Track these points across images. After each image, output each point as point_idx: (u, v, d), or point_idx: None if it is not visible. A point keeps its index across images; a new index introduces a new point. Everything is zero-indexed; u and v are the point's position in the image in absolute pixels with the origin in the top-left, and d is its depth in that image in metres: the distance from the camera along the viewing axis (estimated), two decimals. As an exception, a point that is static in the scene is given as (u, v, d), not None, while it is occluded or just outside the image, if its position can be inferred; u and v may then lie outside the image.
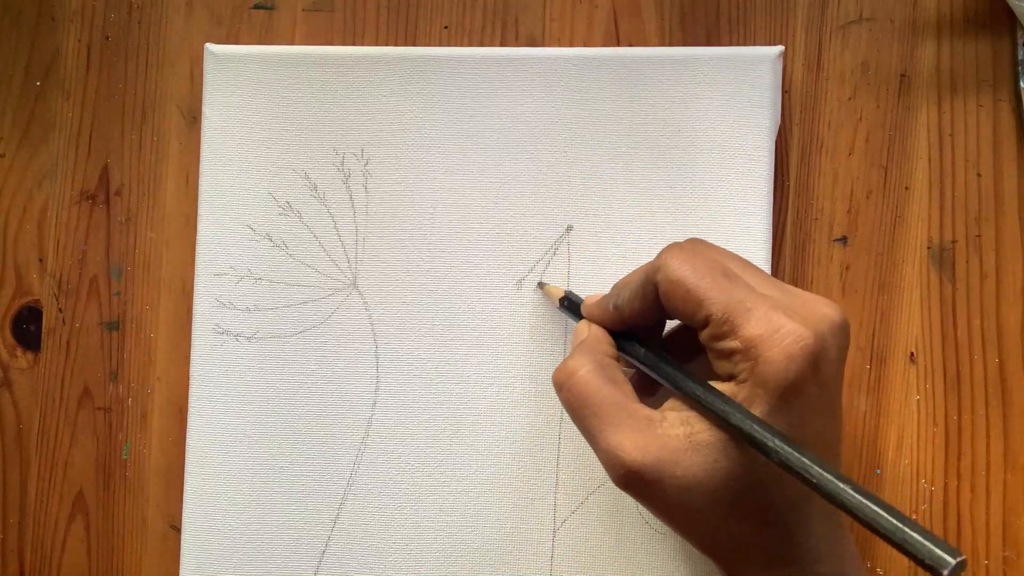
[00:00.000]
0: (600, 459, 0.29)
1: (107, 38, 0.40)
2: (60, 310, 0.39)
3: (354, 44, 0.39)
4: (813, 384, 0.27)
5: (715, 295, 0.28)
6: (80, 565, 0.39)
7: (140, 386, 0.39)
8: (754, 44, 0.38)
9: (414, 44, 0.39)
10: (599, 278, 0.37)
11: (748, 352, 0.27)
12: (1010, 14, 0.38)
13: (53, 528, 0.39)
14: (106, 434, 0.39)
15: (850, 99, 0.38)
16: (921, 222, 0.38)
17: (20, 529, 0.39)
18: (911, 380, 0.38)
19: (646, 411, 0.29)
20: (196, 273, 0.37)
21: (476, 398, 0.37)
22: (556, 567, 0.36)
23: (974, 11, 0.38)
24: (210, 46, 0.38)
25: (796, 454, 0.26)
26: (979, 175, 0.38)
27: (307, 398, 0.37)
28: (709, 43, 0.39)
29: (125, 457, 0.39)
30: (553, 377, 0.31)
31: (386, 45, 0.39)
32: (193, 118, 0.39)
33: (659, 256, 0.30)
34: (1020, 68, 0.38)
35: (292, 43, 0.39)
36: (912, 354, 0.38)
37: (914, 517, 0.37)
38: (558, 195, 0.37)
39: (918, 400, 0.38)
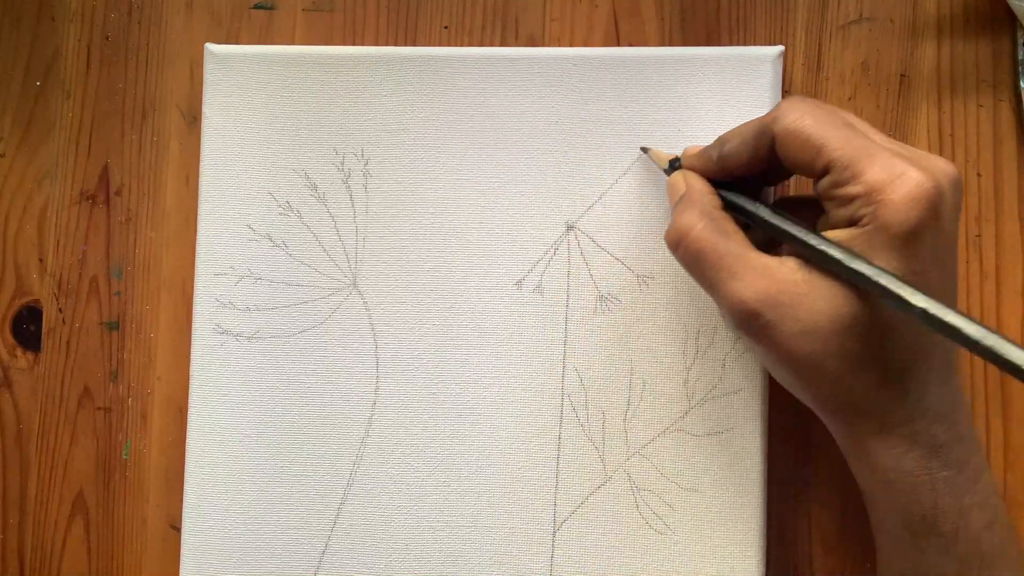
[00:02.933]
0: (722, 310, 0.30)
1: (107, 38, 0.40)
2: (60, 310, 0.39)
3: (354, 44, 0.39)
4: (932, 232, 0.27)
5: (837, 142, 0.28)
6: (80, 565, 0.39)
7: (140, 386, 0.39)
8: (754, 44, 0.38)
9: (414, 44, 0.39)
10: (599, 278, 0.37)
11: (871, 196, 0.27)
12: (1010, 14, 0.38)
13: (53, 528, 0.39)
14: (106, 434, 0.39)
15: (850, 99, 0.38)
16: (921, 222, 0.38)
17: (20, 529, 0.39)
18: (911, 380, 0.38)
19: (765, 258, 0.29)
20: (196, 273, 0.37)
21: (476, 398, 0.37)
22: (556, 567, 0.36)
23: (974, 11, 0.38)
24: (210, 46, 0.38)
25: (913, 295, 0.26)
26: (979, 175, 0.38)
27: (307, 398, 0.37)
28: (709, 43, 0.39)
29: (125, 457, 0.39)
30: (666, 237, 0.31)
31: (386, 45, 0.39)
32: (193, 118, 0.39)
33: (776, 108, 0.30)
34: (1020, 68, 0.38)
35: (292, 43, 0.39)
36: (912, 354, 0.38)
37: (914, 517, 0.37)
38: (558, 195, 0.37)
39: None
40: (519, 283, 0.37)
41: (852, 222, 0.28)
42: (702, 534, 0.36)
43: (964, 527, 0.29)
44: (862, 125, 0.30)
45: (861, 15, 0.39)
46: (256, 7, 0.39)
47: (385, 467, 0.37)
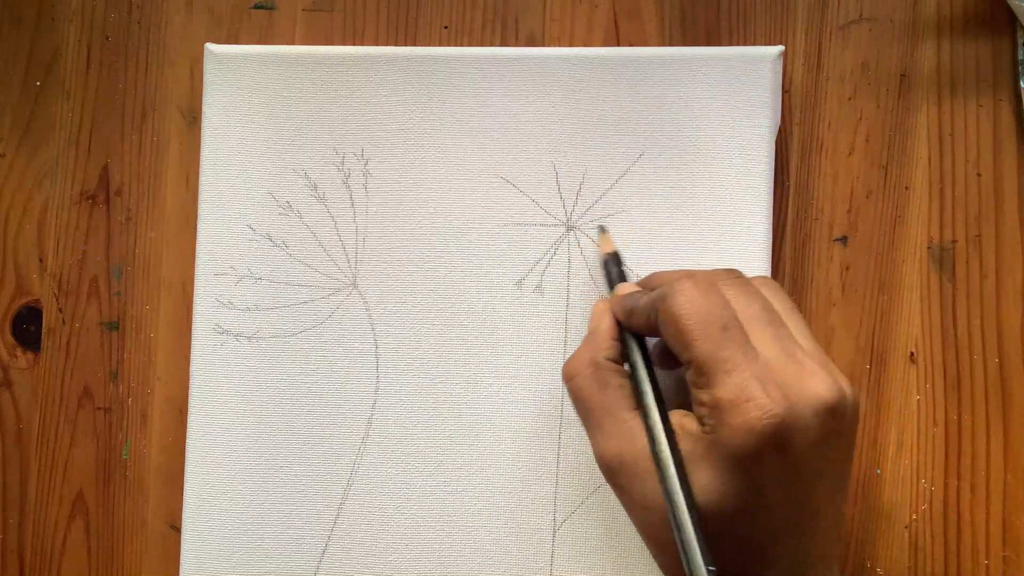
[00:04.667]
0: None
1: (107, 38, 0.40)
2: (60, 310, 0.39)
3: (354, 44, 0.39)
4: (776, 459, 0.27)
5: (704, 345, 0.28)
6: (80, 565, 0.39)
7: (140, 386, 0.39)
8: (754, 44, 0.38)
9: (414, 44, 0.39)
10: (599, 278, 0.37)
11: (714, 411, 0.27)
12: (1010, 14, 0.38)
13: (53, 528, 0.39)
14: (106, 434, 0.39)
15: (850, 99, 0.38)
16: (921, 222, 0.38)
17: (20, 529, 0.39)
18: (911, 380, 0.38)
19: (633, 423, 0.30)
20: (196, 273, 0.37)
21: (476, 398, 0.37)
22: (556, 567, 0.36)
23: (974, 11, 0.38)
24: (210, 46, 0.38)
25: (688, 529, 0.27)
26: (979, 175, 0.38)
27: (307, 398, 0.37)
28: (709, 43, 0.39)
29: (125, 457, 0.39)
30: (562, 371, 0.33)
31: (386, 45, 0.39)
32: (193, 118, 0.39)
33: (671, 283, 0.29)
34: (1020, 68, 0.38)
35: (292, 43, 0.39)
36: (912, 354, 0.38)
37: (914, 517, 0.37)
38: (558, 195, 0.37)
39: (918, 400, 0.38)
40: (519, 283, 0.37)
41: (701, 423, 0.28)
42: (702, 534, 0.36)
43: None
44: (761, 319, 0.29)
45: (861, 15, 0.39)
46: (256, 7, 0.39)
47: (385, 467, 0.37)
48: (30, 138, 0.40)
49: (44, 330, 0.39)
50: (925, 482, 0.37)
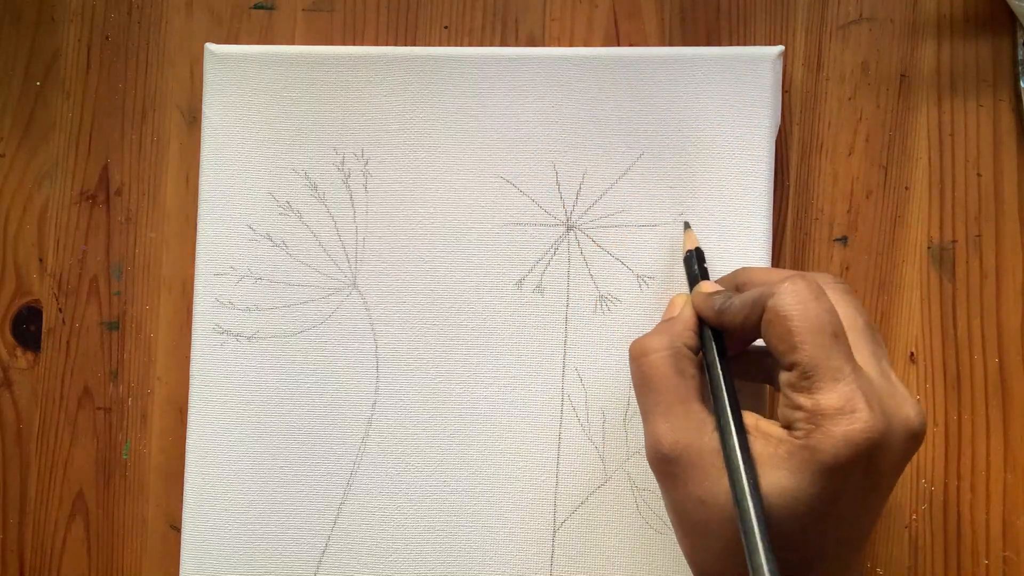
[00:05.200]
0: (644, 436, 0.30)
1: (107, 38, 0.40)
2: (60, 310, 0.39)
3: (354, 44, 0.39)
4: (861, 475, 0.27)
5: (812, 349, 0.27)
6: (80, 565, 0.39)
7: (140, 386, 0.39)
8: (754, 44, 0.38)
9: (414, 44, 0.39)
10: (599, 278, 0.37)
11: (814, 416, 0.27)
12: (1010, 14, 0.38)
13: (53, 528, 0.39)
14: (106, 434, 0.39)
15: (850, 99, 0.38)
16: (921, 222, 0.38)
17: (20, 529, 0.39)
18: (911, 380, 0.38)
19: (703, 413, 0.29)
20: (196, 273, 0.37)
21: (476, 398, 0.37)
22: (556, 567, 0.36)
23: (974, 11, 0.38)
24: (210, 46, 0.38)
25: (756, 530, 0.26)
26: (979, 175, 0.38)
27: (307, 398, 0.37)
28: (709, 43, 0.39)
29: (125, 457, 0.39)
30: (630, 347, 0.31)
31: (386, 45, 0.39)
32: (193, 118, 0.39)
33: (781, 283, 0.29)
34: (1020, 68, 0.38)
35: (292, 43, 0.39)
36: (912, 354, 0.38)
37: (914, 517, 0.37)
38: (558, 195, 0.37)
39: (918, 400, 0.38)
40: (519, 283, 0.37)
41: (788, 426, 0.28)
42: (702, 534, 0.36)
43: None
44: (859, 336, 0.29)
45: (861, 15, 0.39)
46: (256, 7, 0.39)
47: (385, 467, 0.37)
48: (30, 138, 0.40)
49: (44, 330, 0.39)
50: (925, 482, 0.37)
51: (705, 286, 0.33)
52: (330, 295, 0.37)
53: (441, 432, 0.37)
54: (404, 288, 0.37)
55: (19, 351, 0.39)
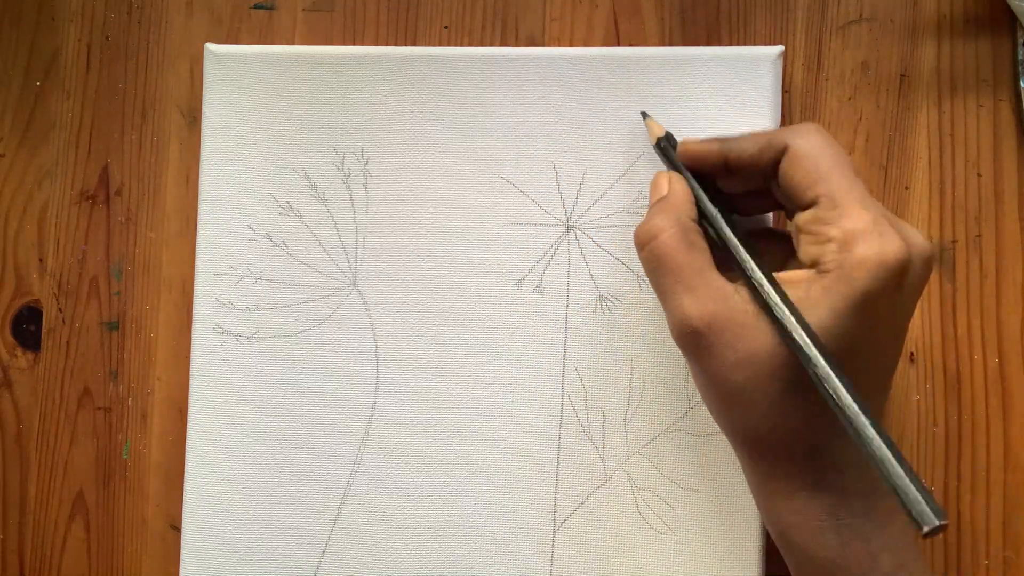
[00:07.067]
0: (668, 318, 0.30)
1: (107, 38, 0.40)
2: (60, 310, 0.39)
3: (354, 44, 0.39)
4: (889, 300, 0.28)
5: (839, 181, 0.28)
6: (80, 565, 0.39)
7: (140, 386, 0.39)
8: (754, 44, 0.38)
9: (414, 44, 0.39)
10: (599, 278, 0.37)
11: (846, 243, 0.27)
12: (1010, 14, 0.38)
13: (53, 528, 0.39)
14: (106, 434, 0.39)
15: (850, 99, 0.38)
16: (921, 222, 0.38)
17: (20, 529, 0.39)
18: (911, 380, 0.38)
19: (722, 281, 0.30)
20: (196, 273, 0.37)
21: (476, 398, 0.37)
22: (556, 567, 0.36)
23: (974, 11, 0.38)
24: (210, 46, 0.38)
25: (833, 374, 0.26)
26: (979, 175, 0.38)
27: (307, 398, 0.37)
28: (709, 43, 0.39)
29: (125, 457, 0.39)
30: (635, 234, 0.31)
31: (386, 45, 0.39)
32: (193, 118, 0.39)
33: (798, 125, 0.30)
34: (1020, 68, 0.38)
35: (292, 43, 0.39)
36: (912, 354, 0.38)
37: (914, 517, 0.37)
38: (558, 195, 0.37)
39: (918, 400, 0.38)
40: (519, 283, 0.37)
41: (815, 264, 0.28)
42: (702, 534, 0.36)
43: (873, 569, 0.29)
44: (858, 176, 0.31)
45: (861, 15, 0.39)
46: (256, 7, 0.39)
47: (385, 467, 0.37)
48: (30, 138, 0.40)
49: (44, 330, 0.39)
50: (925, 482, 0.37)
51: (689, 140, 0.33)
52: (330, 295, 0.37)
53: (441, 432, 0.37)
54: (404, 288, 0.37)
55: (19, 351, 0.39)
